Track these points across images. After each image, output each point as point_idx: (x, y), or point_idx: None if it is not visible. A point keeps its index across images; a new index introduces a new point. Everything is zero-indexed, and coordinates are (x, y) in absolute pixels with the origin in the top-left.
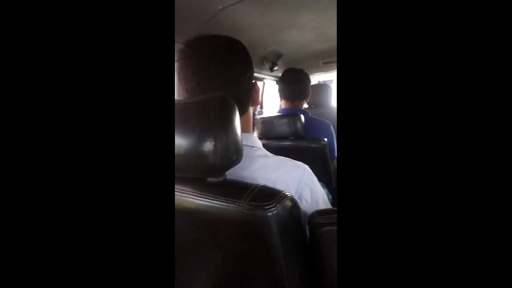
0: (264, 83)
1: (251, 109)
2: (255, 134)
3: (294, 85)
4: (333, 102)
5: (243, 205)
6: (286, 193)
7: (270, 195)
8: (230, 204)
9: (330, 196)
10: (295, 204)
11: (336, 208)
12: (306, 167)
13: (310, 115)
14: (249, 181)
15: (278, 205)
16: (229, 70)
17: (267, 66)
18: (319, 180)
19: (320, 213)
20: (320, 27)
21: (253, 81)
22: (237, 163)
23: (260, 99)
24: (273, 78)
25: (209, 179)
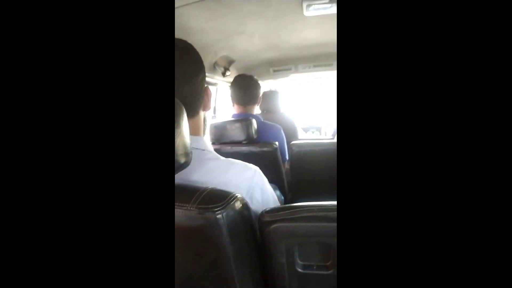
0: (217, 88)
1: (202, 113)
2: (206, 138)
3: (245, 90)
4: (283, 108)
5: (192, 209)
6: (236, 195)
7: (219, 197)
8: (179, 209)
9: (282, 198)
10: (244, 205)
11: (284, 205)
12: (257, 168)
13: (262, 119)
14: (200, 184)
15: (227, 206)
16: (178, 69)
17: (219, 71)
18: (272, 182)
19: (269, 211)
20: (268, 36)
21: (206, 86)
22: (186, 167)
23: (210, 104)
24: (227, 83)
25: None
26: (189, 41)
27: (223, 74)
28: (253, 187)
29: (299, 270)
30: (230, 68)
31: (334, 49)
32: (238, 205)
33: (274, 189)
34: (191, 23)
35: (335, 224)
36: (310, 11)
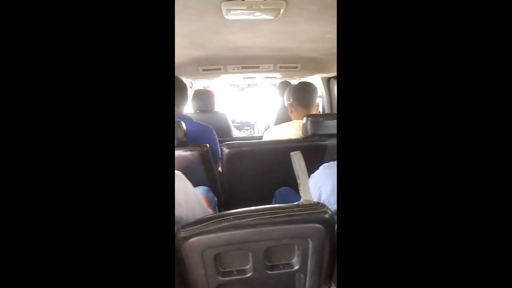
0: None
1: None
2: None
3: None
4: (216, 107)
5: None
6: None
7: None
8: None
9: (216, 199)
10: None
11: (199, 218)
12: (178, 173)
13: (193, 120)
14: None
15: None
16: None
17: None
18: (205, 184)
19: (185, 226)
20: (191, 36)
21: None
22: None
23: None
24: None
25: None
26: None
27: None
28: (175, 193)
29: (220, 278)
30: None
31: (259, 52)
32: None
33: (207, 192)
34: None
35: (250, 230)
36: (231, 16)
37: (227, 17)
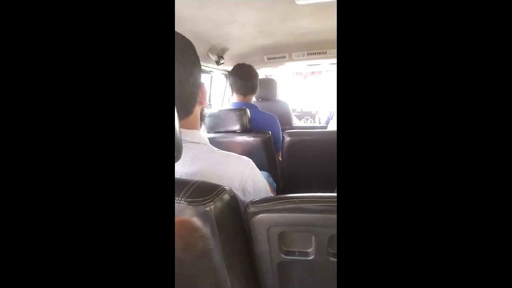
0: (212, 76)
1: (197, 109)
2: (203, 130)
3: (245, 80)
4: (278, 95)
5: (181, 202)
6: (224, 187)
7: (208, 190)
8: None
9: (275, 185)
10: (232, 197)
11: (268, 197)
12: (250, 161)
13: (259, 109)
14: (195, 176)
15: (215, 199)
16: (179, 72)
17: (213, 59)
18: (265, 169)
19: (254, 203)
20: (261, 24)
21: (201, 83)
22: (177, 160)
23: (206, 100)
24: (221, 71)
25: None
26: (180, 30)
27: (217, 63)
28: (245, 180)
29: (282, 255)
30: (224, 56)
31: (327, 36)
32: (226, 197)
33: (267, 177)
34: (182, 12)
35: (315, 215)
36: (303, 0)
37: (298, 2)
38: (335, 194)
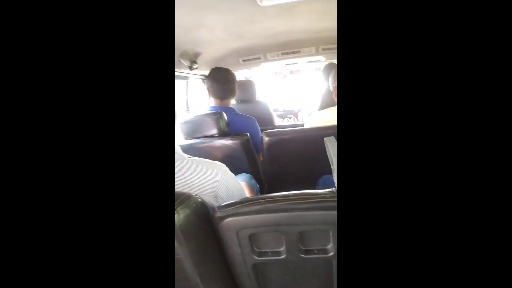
0: (187, 82)
1: None
2: (180, 137)
3: (222, 84)
4: (258, 96)
5: None
6: (191, 195)
7: None
8: None
9: (258, 186)
10: (199, 203)
11: (233, 201)
12: (222, 166)
13: (237, 111)
14: None
15: (178, 208)
16: None
17: (186, 64)
18: (247, 172)
19: (220, 207)
20: (229, 27)
21: None
22: None
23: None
24: (197, 76)
25: None
26: None
27: (190, 68)
28: (217, 186)
29: (255, 257)
30: (197, 61)
31: (299, 36)
32: (191, 205)
33: (249, 179)
34: None
35: (282, 214)
36: (265, 1)
37: (261, 4)
38: (300, 192)
